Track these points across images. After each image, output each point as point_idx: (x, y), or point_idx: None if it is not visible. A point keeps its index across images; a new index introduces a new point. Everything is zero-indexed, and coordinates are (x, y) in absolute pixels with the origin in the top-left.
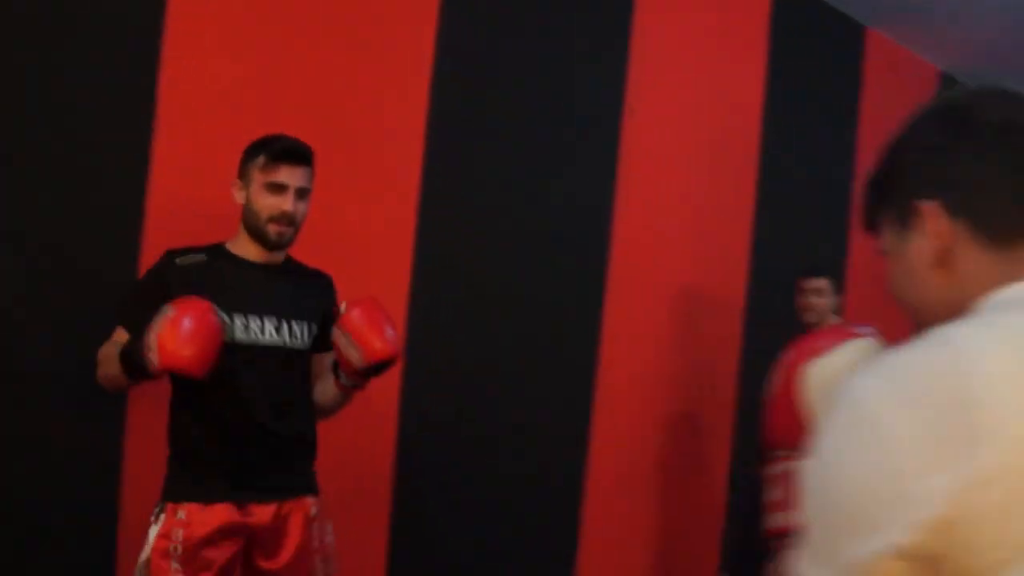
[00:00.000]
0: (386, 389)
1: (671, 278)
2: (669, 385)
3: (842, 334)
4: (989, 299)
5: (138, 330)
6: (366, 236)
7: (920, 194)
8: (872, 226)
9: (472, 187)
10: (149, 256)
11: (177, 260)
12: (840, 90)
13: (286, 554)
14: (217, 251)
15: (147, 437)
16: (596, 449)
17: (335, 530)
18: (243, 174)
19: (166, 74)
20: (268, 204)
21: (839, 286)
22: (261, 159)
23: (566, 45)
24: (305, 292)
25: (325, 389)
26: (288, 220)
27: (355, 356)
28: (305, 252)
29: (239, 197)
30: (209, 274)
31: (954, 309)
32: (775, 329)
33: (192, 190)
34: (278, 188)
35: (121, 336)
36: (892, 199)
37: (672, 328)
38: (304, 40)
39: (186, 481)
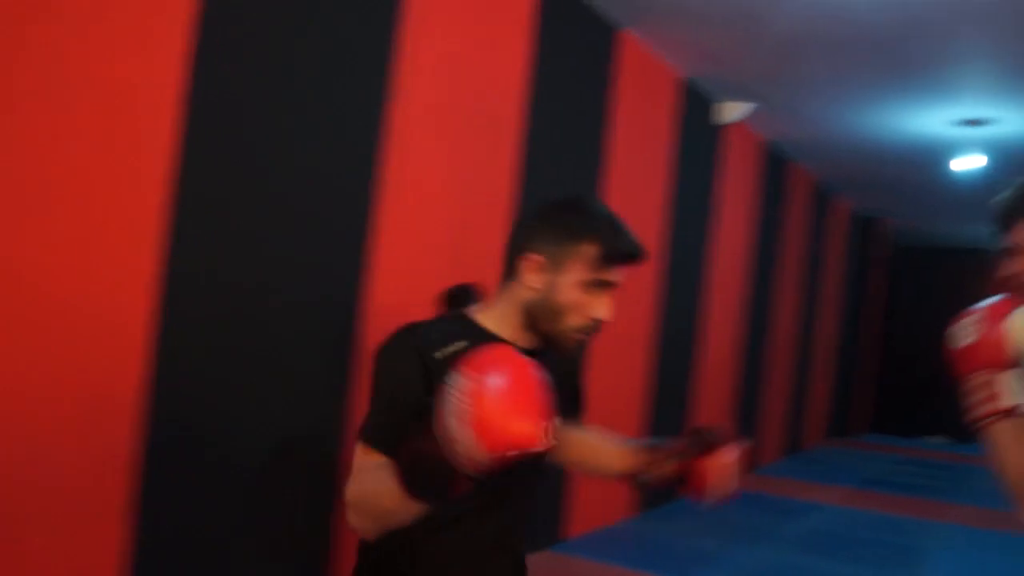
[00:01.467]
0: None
1: (432, 266)
2: None
3: (1007, 301)
4: None
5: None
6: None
7: None
8: (1007, 224)
9: (234, 163)
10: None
11: (436, 354)
12: (594, 86)
13: None
14: (474, 332)
15: None
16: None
17: None
18: (550, 253)
19: None
20: (585, 308)
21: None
22: (594, 252)
23: (332, 25)
24: (559, 378)
25: (598, 464)
26: (599, 330)
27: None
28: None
29: (533, 280)
30: None
31: None
32: None
33: None
34: (603, 287)
35: (371, 460)
36: None
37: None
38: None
39: None
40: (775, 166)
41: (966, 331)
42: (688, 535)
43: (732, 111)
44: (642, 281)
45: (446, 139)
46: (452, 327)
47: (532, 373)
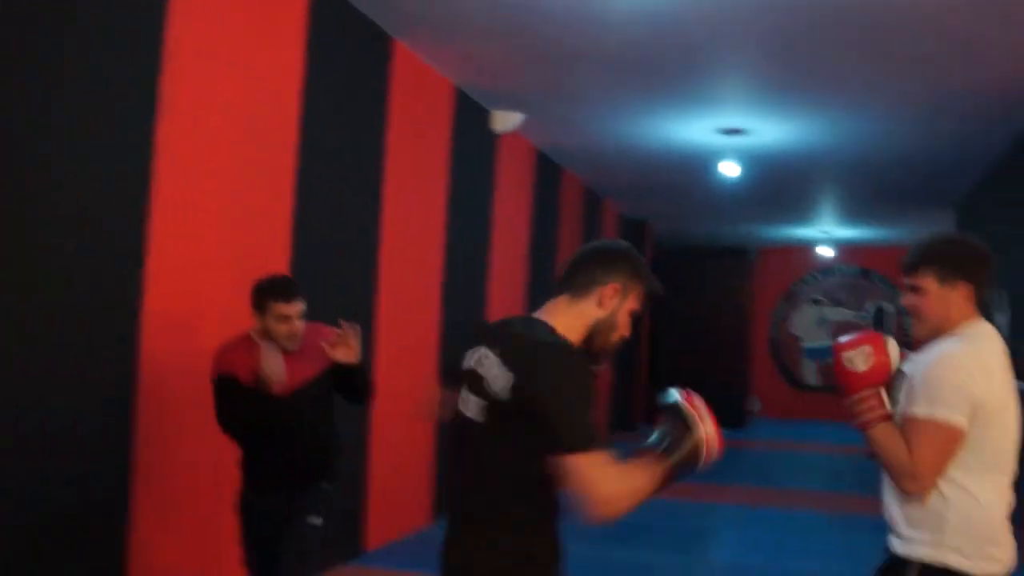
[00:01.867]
0: None
1: (210, 273)
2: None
3: (871, 334)
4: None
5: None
6: None
7: (965, 276)
8: (915, 270)
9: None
10: None
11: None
12: (369, 93)
13: None
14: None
15: None
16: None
17: None
18: (623, 285)
19: None
20: (624, 329)
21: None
22: (644, 291)
23: (97, 37)
24: None
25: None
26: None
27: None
28: None
29: (610, 304)
30: None
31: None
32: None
33: None
34: (634, 316)
35: (604, 459)
36: (951, 269)
37: (214, 324)
38: None
39: None
40: (548, 172)
41: (861, 359)
42: None
43: (506, 121)
44: (429, 281)
45: (220, 144)
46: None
47: None
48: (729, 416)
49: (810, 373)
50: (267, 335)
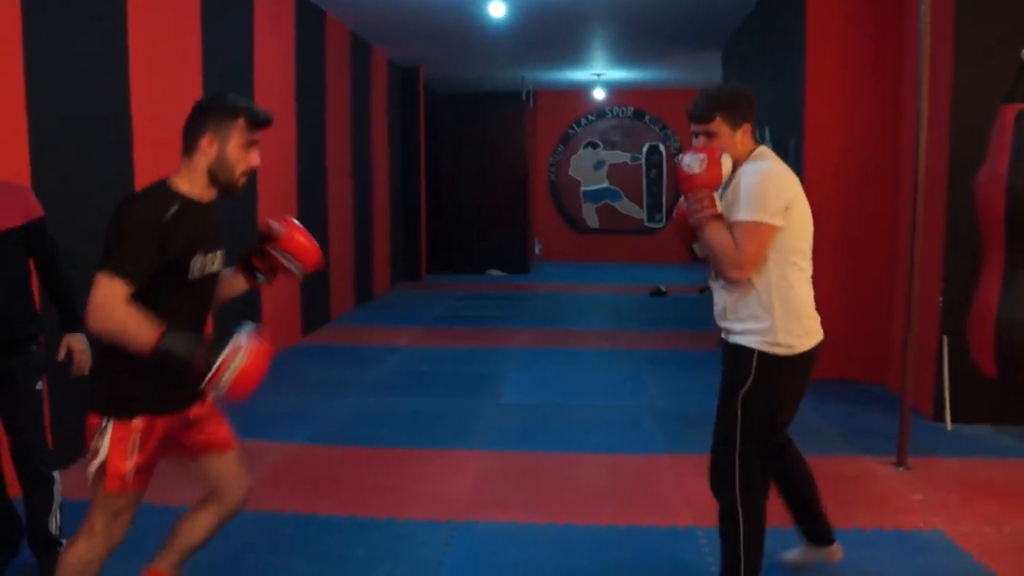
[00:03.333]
0: None
1: None
2: None
3: (710, 148)
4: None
5: (135, 280)
6: None
7: (745, 118)
8: (709, 119)
9: None
10: None
11: (166, 215)
12: None
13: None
14: (178, 197)
15: None
16: None
17: None
18: (217, 131)
19: None
20: (249, 162)
21: None
22: (243, 122)
23: None
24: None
25: (232, 287)
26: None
27: (295, 267)
28: None
29: (211, 150)
30: (184, 222)
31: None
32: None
33: None
34: (252, 145)
35: (122, 289)
36: (734, 117)
37: None
38: None
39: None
40: (311, 18)
41: (697, 164)
42: (267, 394)
43: None
44: None
45: None
46: (167, 194)
47: (267, 356)
48: (513, 261)
49: (590, 216)
50: None
